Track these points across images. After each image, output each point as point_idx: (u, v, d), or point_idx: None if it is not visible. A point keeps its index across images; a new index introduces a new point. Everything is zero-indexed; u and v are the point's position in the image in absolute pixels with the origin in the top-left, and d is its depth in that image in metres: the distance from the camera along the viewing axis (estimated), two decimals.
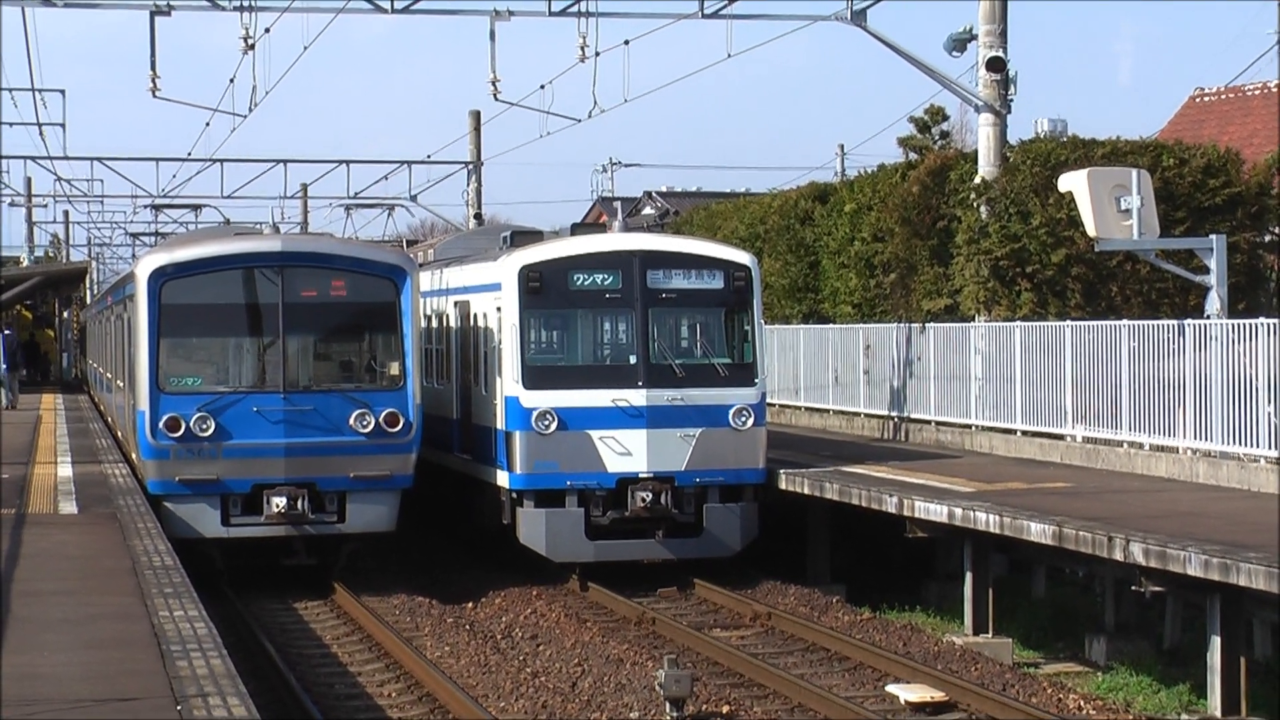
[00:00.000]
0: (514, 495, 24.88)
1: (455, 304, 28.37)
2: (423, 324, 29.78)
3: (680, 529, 24.87)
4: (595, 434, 24.55)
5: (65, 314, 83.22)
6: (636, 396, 24.60)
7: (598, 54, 32.07)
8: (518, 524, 24.89)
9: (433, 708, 18.21)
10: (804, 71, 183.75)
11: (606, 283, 24.94)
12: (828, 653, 21.15)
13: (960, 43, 29.22)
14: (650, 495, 24.44)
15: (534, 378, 24.72)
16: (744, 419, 24.87)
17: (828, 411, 34.29)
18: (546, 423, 24.49)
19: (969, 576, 22.05)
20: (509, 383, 24.82)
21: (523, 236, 27.64)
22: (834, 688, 19.11)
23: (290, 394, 24.16)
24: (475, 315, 26.99)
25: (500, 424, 25.19)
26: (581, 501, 24.62)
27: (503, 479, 25.15)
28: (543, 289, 24.86)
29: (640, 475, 24.58)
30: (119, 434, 31.69)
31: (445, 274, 29.48)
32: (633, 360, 24.81)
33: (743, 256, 25.79)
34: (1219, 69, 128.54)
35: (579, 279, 24.94)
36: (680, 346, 25.39)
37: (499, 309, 25.30)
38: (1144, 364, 23.71)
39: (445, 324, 29.21)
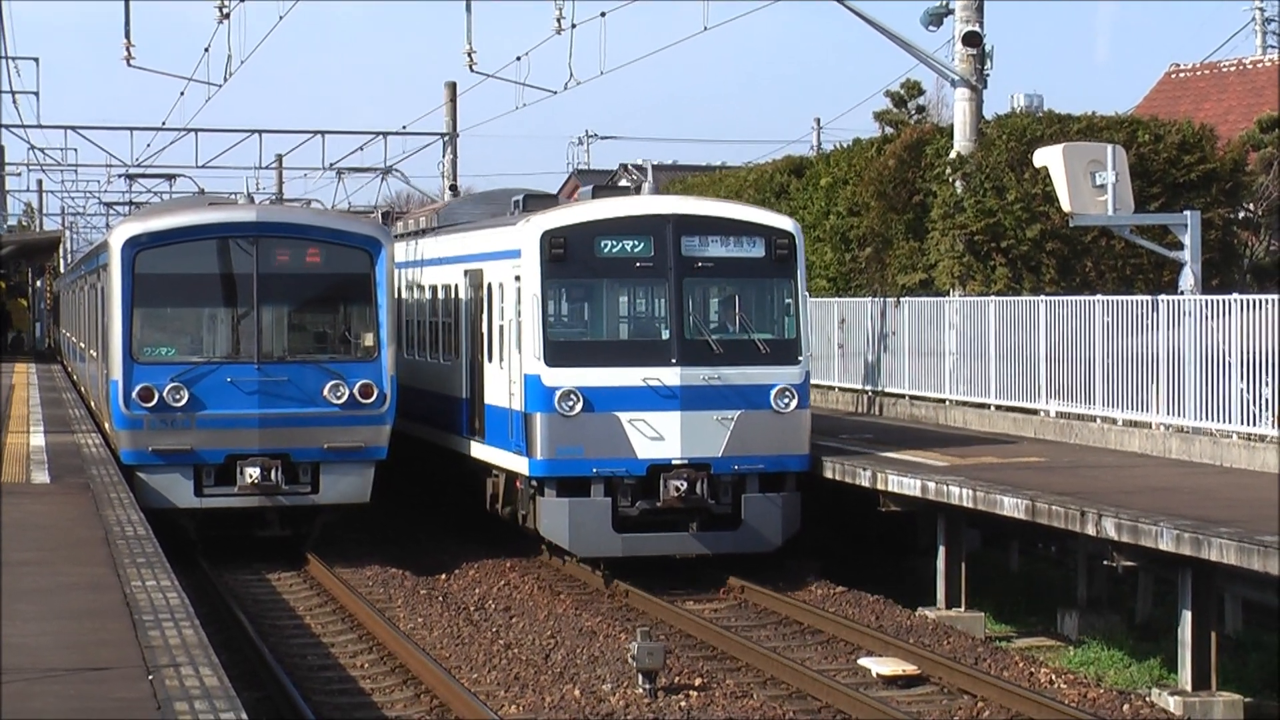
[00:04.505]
0: (533, 483, 22.87)
1: (465, 272, 26.11)
2: (426, 295, 28.79)
3: (716, 521, 22.84)
4: (624, 416, 22.48)
5: (39, 283, 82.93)
6: (669, 375, 22.57)
7: (574, 26, 32.08)
8: (537, 514, 22.88)
9: (405, 679, 18.21)
10: (780, 45, 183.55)
11: (637, 250, 22.82)
12: (800, 626, 21.20)
13: (937, 17, 29.20)
14: (684, 484, 22.38)
15: (557, 354, 22.61)
16: (787, 400, 22.85)
17: None
18: (570, 404, 22.42)
19: (942, 551, 22.08)
20: (529, 359, 22.76)
21: (535, 200, 25.48)
22: (806, 661, 19.17)
23: (264, 364, 24.12)
24: (489, 285, 24.71)
25: (518, 405, 23.14)
26: (608, 490, 22.55)
27: (520, 465, 23.15)
28: (567, 256, 22.71)
29: (673, 462, 22.50)
30: (92, 404, 31.60)
31: (451, 240, 27.44)
32: (665, 335, 22.79)
33: (786, 222, 23.68)
34: (1195, 46, 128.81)
35: (607, 245, 22.83)
36: (717, 321, 23.38)
37: (517, 278, 23.17)
38: (1118, 339, 23.78)
39: (453, 294, 26.90)
